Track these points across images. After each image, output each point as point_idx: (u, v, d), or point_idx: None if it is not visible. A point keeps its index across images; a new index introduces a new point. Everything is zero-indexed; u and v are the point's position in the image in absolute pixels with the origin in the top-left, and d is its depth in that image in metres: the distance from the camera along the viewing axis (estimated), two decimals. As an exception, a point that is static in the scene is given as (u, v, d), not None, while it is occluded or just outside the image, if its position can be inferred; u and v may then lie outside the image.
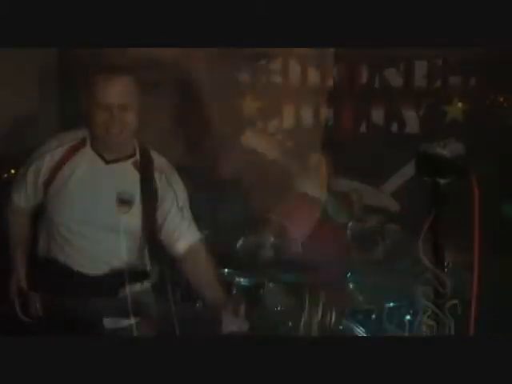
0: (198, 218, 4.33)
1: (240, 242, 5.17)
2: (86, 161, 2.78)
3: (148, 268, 2.92)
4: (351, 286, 3.59)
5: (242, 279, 3.59)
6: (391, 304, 3.60)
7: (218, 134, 5.21)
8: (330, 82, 5.28)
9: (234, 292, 3.50)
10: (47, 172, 2.77)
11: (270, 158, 5.40)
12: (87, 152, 2.79)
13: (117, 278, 2.82)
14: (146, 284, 2.95)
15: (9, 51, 3.07)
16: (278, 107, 5.33)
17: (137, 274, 2.89)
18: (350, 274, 3.67)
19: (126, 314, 2.73)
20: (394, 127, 5.26)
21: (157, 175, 2.88)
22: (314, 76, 5.28)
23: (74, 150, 2.79)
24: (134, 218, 2.83)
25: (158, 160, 2.93)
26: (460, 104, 5.13)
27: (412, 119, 5.24)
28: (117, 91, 2.67)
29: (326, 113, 5.31)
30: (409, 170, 5.19)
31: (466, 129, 5.11)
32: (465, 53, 4.92)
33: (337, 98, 5.30)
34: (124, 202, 2.78)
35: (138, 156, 2.87)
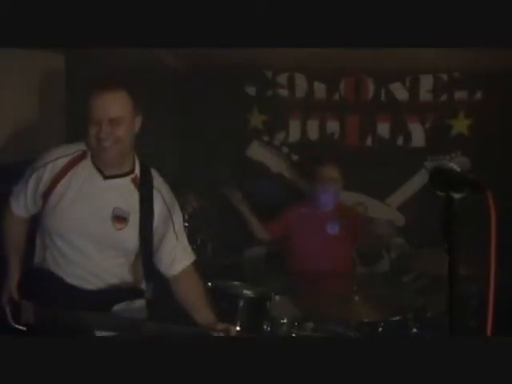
0: (204, 230, 4.40)
1: (246, 254, 5.21)
2: (85, 174, 2.76)
3: (143, 286, 2.90)
4: (357, 298, 3.58)
5: (248, 291, 3.59)
6: (397, 317, 3.60)
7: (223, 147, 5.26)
8: (336, 96, 5.30)
9: (241, 304, 3.51)
10: (47, 182, 2.75)
11: (275, 171, 5.43)
12: (87, 165, 2.77)
13: (111, 294, 2.80)
14: (141, 302, 2.93)
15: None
16: (285, 120, 5.36)
17: (131, 291, 2.88)
18: (355, 286, 3.66)
19: (118, 330, 2.70)
20: (400, 141, 5.27)
21: (155, 194, 2.85)
22: (320, 89, 5.31)
23: (75, 161, 2.77)
24: (129, 236, 2.80)
25: (157, 179, 2.91)
26: (465, 118, 5.15)
27: (418, 133, 5.26)
28: (107, 105, 2.63)
29: (331, 126, 5.32)
30: (414, 184, 5.22)
31: (471, 143, 5.14)
32: (471, 67, 4.96)
33: (343, 111, 5.32)
34: (120, 218, 2.76)
35: (137, 172, 2.84)
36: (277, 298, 3.63)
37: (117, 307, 2.78)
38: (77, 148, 2.81)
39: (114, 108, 2.64)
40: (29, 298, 2.74)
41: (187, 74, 5.29)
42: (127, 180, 2.80)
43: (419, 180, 5.20)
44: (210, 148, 5.23)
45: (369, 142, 5.32)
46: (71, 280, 2.77)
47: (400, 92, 5.23)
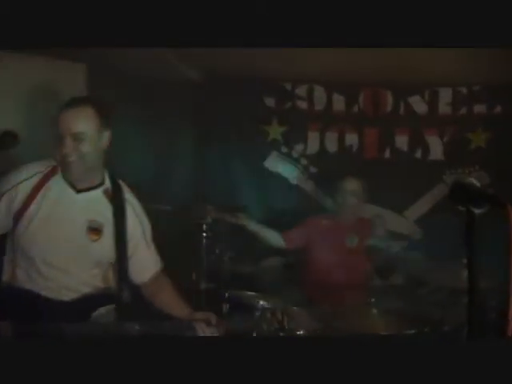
0: (222, 240, 4.42)
1: (263, 265, 5.21)
2: (57, 190, 2.77)
3: (115, 292, 2.92)
4: (374, 311, 3.58)
5: (265, 302, 3.61)
6: (413, 330, 3.59)
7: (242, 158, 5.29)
8: (355, 108, 5.32)
9: (257, 314, 3.52)
10: (21, 202, 2.73)
11: (293, 182, 5.44)
12: (59, 180, 2.78)
13: (86, 303, 2.81)
14: (110, 307, 2.92)
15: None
16: (303, 132, 5.37)
17: (104, 298, 2.89)
18: (372, 299, 3.67)
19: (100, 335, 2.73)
20: (418, 154, 5.27)
21: (127, 206, 2.89)
22: (338, 102, 5.33)
23: (47, 178, 2.77)
24: (104, 247, 2.84)
25: (127, 191, 2.95)
26: (484, 132, 5.15)
27: (436, 146, 5.26)
28: (70, 121, 2.66)
29: (350, 138, 5.33)
30: (432, 197, 5.21)
31: (489, 157, 5.12)
32: (490, 80, 4.96)
33: (361, 123, 5.34)
34: (95, 230, 2.79)
35: (108, 184, 2.87)
36: (293, 309, 3.64)
37: (95, 315, 2.81)
38: (47, 164, 2.81)
39: (77, 123, 2.66)
40: (4, 317, 2.66)
41: (205, 85, 5.32)
42: (99, 192, 2.84)
43: (437, 193, 5.19)
44: (228, 159, 5.27)
45: (387, 154, 5.32)
46: (47, 293, 2.76)
47: (419, 105, 5.23)
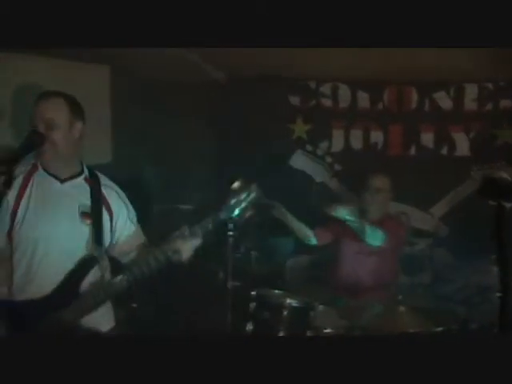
0: (248, 239, 4.44)
1: (289, 264, 5.23)
2: (42, 184, 2.83)
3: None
4: (402, 309, 3.57)
5: (292, 301, 3.61)
6: (441, 328, 3.57)
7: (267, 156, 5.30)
8: (380, 105, 5.31)
9: (285, 314, 3.54)
10: (12, 202, 2.79)
11: (318, 180, 5.45)
12: (41, 175, 2.85)
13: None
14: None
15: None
16: (328, 130, 5.38)
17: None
18: (400, 296, 3.66)
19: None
20: (444, 150, 5.25)
21: (109, 191, 2.98)
22: (363, 99, 5.32)
23: (29, 176, 2.84)
24: (98, 229, 2.92)
25: (104, 178, 3.04)
26: (511, 127, 5.11)
27: (462, 142, 5.23)
28: (43, 111, 2.77)
29: (375, 136, 5.33)
30: (458, 194, 5.18)
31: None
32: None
33: (386, 121, 5.32)
34: (87, 214, 2.89)
35: (86, 173, 2.96)
36: (320, 307, 3.64)
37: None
38: (27, 163, 2.86)
39: (49, 111, 2.78)
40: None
41: (230, 84, 5.35)
42: (81, 179, 2.94)
43: (463, 190, 5.16)
44: (252, 158, 5.28)
45: (412, 151, 5.30)
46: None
47: (444, 101, 5.20)
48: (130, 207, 3.09)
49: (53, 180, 2.86)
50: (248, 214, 2.86)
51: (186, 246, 2.82)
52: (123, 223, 3.03)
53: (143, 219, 3.15)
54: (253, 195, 2.82)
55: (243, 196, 2.83)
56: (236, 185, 2.86)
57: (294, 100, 5.36)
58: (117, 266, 2.99)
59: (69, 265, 2.84)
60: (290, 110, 5.37)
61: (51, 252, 2.83)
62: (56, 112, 2.80)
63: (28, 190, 2.82)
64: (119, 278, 2.80)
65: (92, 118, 4.79)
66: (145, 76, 4.93)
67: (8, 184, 2.40)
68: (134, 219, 3.09)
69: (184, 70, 4.77)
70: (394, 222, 4.53)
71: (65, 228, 2.85)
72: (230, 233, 4.11)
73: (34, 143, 2.68)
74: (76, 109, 2.88)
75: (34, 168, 2.87)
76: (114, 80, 4.86)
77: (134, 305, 4.39)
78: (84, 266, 2.86)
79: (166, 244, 2.81)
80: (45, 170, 2.86)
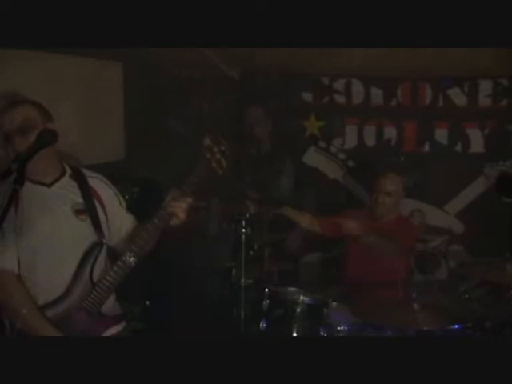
0: (261, 236, 4.43)
1: (302, 261, 5.22)
2: (28, 194, 2.76)
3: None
4: (416, 306, 3.54)
5: (306, 298, 3.60)
6: (455, 325, 3.55)
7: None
8: (393, 102, 5.28)
9: (298, 311, 3.53)
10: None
11: (331, 177, 5.43)
12: (26, 186, 2.60)
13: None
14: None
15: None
16: (341, 127, 5.35)
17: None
18: (414, 294, 3.63)
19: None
20: (458, 147, 5.21)
21: (97, 182, 3.01)
22: (376, 95, 5.29)
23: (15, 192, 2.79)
24: (94, 223, 2.95)
25: (85, 170, 3.05)
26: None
27: (476, 138, 5.18)
28: (14, 117, 2.79)
29: (389, 132, 5.30)
30: (473, 190, 5.15)
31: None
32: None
33: (400, 117, 5.29)
34: (80, 211, 2.90)
35: (69, 170, 2.98)
36: (334, 304, 3.63)
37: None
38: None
39: (21, 118, 2.79)
40: None
41: (242, 80, 5.34)
42: (67, 178, 2.95)
43: (478, 186, 5.13)
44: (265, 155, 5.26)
45: (426, 148, 5.27)
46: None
47: (458, 97, 5.17)
48: (120, 196, 3.11)
49: (39, 187, 2.86)
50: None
51: (180, 207, 2.80)
52: (116, 210, 3.05)
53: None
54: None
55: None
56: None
57: (307, 96, 5.34)
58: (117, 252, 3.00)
59: (73, 262, 2.86)
60: (303, 107, 5.34)
61: (54, 255, 2.84)
62: (27, 117, 2.80)
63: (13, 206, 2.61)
64: (126, 255, 2.80)
65: (105, 116, 4.84)
66: (159, 73, 4.95)
67: (20, 182, 2.39)
68: (124, 204, 3.12)
69: (198, 67, 4.78)
70: (405, 223, 4.51)
71: (62, 229, 2.86)
72: (244, 230, 4.11)
73: (46, 140, 2.67)
74: (43, 111, 2.89)
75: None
76: (127, 77, 4.88)
77: (148, 302, 4.40)
78: (91, 255, 2.89)
79: (161, 210, 2.82)
80: (28, 178, 2.73)
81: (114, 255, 2.99)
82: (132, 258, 2.80)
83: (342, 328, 3.49)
